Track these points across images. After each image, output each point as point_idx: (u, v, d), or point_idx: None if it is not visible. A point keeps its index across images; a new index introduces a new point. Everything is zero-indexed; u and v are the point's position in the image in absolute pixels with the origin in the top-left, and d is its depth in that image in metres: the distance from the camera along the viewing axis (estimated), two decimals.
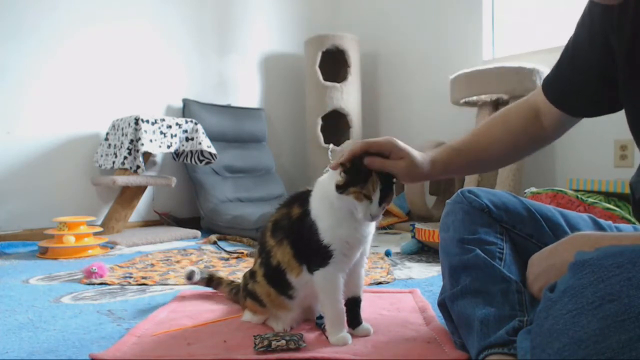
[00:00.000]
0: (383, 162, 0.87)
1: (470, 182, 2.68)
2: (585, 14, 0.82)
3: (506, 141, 0.95)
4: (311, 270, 0.96)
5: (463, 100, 2.75)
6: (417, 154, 0.90)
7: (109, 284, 1.55)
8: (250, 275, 1.08)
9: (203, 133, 2.67)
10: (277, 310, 1.03)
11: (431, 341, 0.97)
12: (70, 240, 2.07)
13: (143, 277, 1.62)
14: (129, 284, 1.55)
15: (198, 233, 2.67)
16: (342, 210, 0.91)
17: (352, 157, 0.88)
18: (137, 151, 2.41)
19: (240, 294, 1.15)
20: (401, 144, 0.89)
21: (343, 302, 0.99)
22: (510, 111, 0.97)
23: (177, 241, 2.52)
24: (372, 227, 0.97)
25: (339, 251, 0.93)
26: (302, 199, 0.98)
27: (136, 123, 2.42)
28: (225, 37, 3.41)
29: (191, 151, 2.71)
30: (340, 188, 0.89)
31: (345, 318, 0.98)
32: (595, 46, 0.79)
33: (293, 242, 0.97)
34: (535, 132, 0.94)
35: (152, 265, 1.86)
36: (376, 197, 0.87)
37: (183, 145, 2.63)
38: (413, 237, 2.09)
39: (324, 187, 0.95)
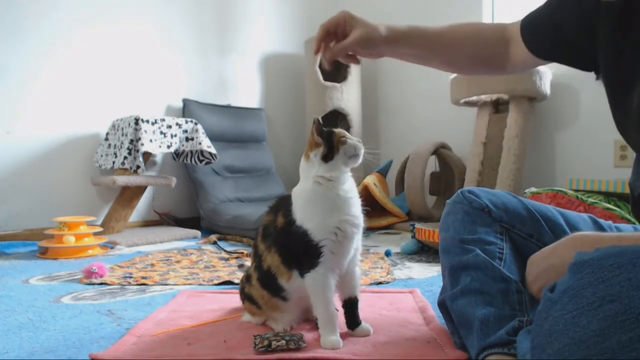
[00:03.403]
0: (340, 44, 0.92)
1: (470, 182, 2.68)
2: None
3: (468, 46, 0.96)
4: (302, 274, 0.96)
5: (463, 100, 2.75)
6: (372, 24, 0.94)
7: (109, 284, 1.55)
8: (246, 278, 1.09)
9: (203, 133, 2.67)
10: (273, 312, 1.04)
11: (431, 341, 0.97)
12: (70, 240, 2.07)
13: (143, 277, 1.62)
14: (129, 284, 1.55)
15: (198, 233, 2.67)
16: (327, 198, 0.95)
17: (318, 43, 0.95)
18: (137, 151, 2.41)
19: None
20: (355, 14, 0.94)
21: (334, 304, 0.99)
22: (485, 26, 1.00)
23: (177, 241, 2.52)
24: (359, 208, 0.99)
25: (328, 248, 0.94)
26: (285, 206, 0.99)
27: (136, 123, 2.42)
28: (225, 37, 3.40)
29: (191, 151, 2.71)
30: (327, 154, 0.96)
31: (337, 321, 0.98)
32: (579, 23, 0.80)
33: (280, 250, 0.98)
34: (498, 54, 0.95)
35: (152, 265, 1.86)
36: (348, 135, 0.99)
37: (183, 145, 2.63)
38: (413, 237, 2.09)
39: (303, 190, 0.98)
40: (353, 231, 0.97)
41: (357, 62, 0.99)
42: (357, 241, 1.00)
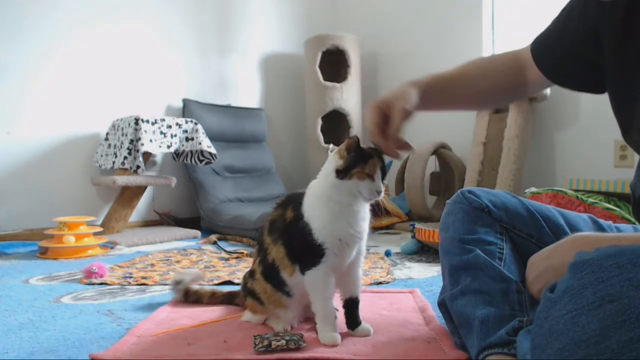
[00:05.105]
0: (393, 128, 0.87)
1: (470, 182, 2.68)
2: None
3: (485, 79, 0.96)
4: (303, 270, 0.96)
5: None
6: (401, 91, 0.91)
7: (109, 284, 1.55)
8: (250, 274, 1.09)
9: (203, 133, 2.67)
10: (275, 308, 1.04)
11: (431, 341, 0.97)
12: (70, 240, 2.07)
13: (143, 277, 1.62)
14: (129, 284, 1.55)
15: (198, 233, 2.67)
16: (337, 205, 0.93)
17: (377, 131, 0.89)
18: (137, 151, 2.41)
19: (240, 293, 1.16)
20: (386, 97, 0.91)
21: (333, 301, 0.99)
22: (498, 56, 0.99)
23: (177, 241, 2.52)
24: (366, 222, 0.98)
25: (331, 250, 0.94)
26: (296, 201, 0.99)
27: (136, 123, 2.42)
28: (225, 37, 3.40)
29: (191, 151, 2.71)
30: (342, 172, 0.92)
31: (335, 318, 0.98)
32: (586, 32, 0.79)
33: (286, 243, 0.99)
34: (515, 81, 0.94)
35: (152, 265, 1.86)
36: (378, 174, 0.92)
37: (183, 145, 2.63)
38: (413, 237, 2.09)
39: (318, 186, 0.98)
40: (355, 241, 0.97)
41: (410, 148, 0.90)
42: (361, 246, 1.00)
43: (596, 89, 0.84)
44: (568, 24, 0.84)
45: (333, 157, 0.96)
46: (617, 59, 0.74)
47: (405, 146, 0.89)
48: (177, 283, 1.27)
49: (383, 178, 0.93)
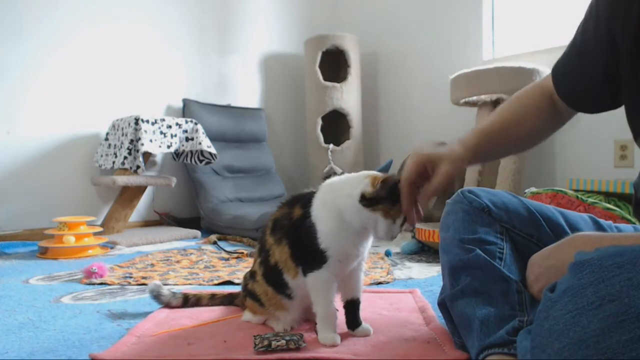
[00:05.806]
0: (431, 188, 0.85)
1: (470, 182, 2.68)
2: (592, 6, 0.81)
3: (529, 124, 0.93)
4: (305, 272, 0.96)
5: (463, 100, 2.75)
6: (446, 150, 0.87)
7: (109, 284, 1.55)
8: (251, 275, 1.09)
9: (203, 133, 2.67)
10: (276, 310, 1.03)
11: (431, 341, 0.97)
12: (70, 240, 2.07)
13: (143, 277, 1.62)
14: (129, 284, 1.55)
15: (198, 233, 2.67)
16: (347, 223, 0.91)
17: (409, 201, 0.85)
18: (137, 151, 2.41)
19: (240, 293, 1.15)
20: (426, 151, 0.86)
21: (335, 303, 0.98)
22: (529, 93, 0.95)
23: (177, 241, 2.52)
24: (369, 242, 0.98)
25: (335, 257, 0.93)
26: (305, 200, 0.98)
27: (136, 123, 2.42)
28: (225, 37, 3.41)
29: (191, 151, 2.71)
30: (367, 200, 0.88)
31: (336, 319, 0.98)
32: (601, 41, 0.78)
33: (291, 243, 0.97)
34: (554, 112, 0.92)
35: (152, 265, 1.86)
36: (400, 220, 0.89)
37: (183, 145, 2.63)
38: (413, 237, 2.09)
39: (333, 191, 0.95)
40: (358, 255, 0.97)
41: (415, 222, 0.91)
42: (364, 252, 0.99)
43: (614, 104, 0.82)
44: (585, 42, 0.82)
45: (362, 179, 0.91)
46: (634, 59, 0.73)
47: (419, 216, 0.88)
48: (156, 295, 1.21)
49: (403, 224, 0.90)
